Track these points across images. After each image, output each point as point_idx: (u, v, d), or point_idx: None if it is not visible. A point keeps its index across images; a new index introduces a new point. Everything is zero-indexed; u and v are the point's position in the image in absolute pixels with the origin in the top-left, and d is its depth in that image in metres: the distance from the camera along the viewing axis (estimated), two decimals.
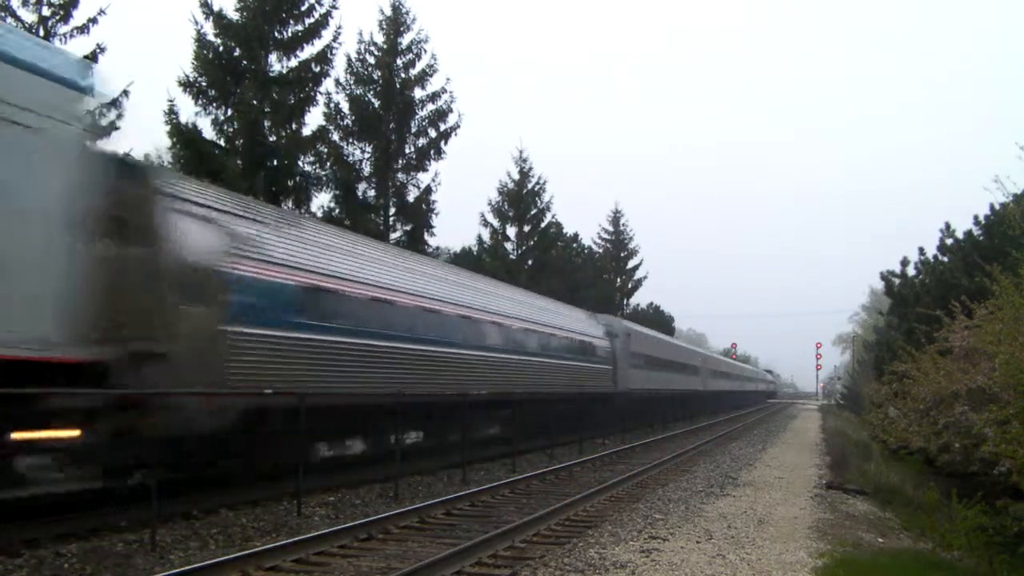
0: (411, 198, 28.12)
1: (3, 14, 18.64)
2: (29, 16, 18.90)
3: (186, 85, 21.63)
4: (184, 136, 21.11)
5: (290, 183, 23.34)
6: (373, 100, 27.73)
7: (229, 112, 22.10)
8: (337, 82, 26.90)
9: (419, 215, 28.05)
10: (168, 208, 10.65)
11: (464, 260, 32.25)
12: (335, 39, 23.55)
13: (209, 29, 22.04)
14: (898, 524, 13.74)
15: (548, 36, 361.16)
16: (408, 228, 28.10)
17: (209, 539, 9.71)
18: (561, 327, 25.73)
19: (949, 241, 27.96)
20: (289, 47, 23.15)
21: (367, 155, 27.66)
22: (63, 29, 19.16)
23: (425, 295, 17.09)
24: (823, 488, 16.16)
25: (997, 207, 22.65)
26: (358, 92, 27.56)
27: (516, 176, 39.81)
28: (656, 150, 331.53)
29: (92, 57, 19.14)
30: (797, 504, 13.71)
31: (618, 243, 56.86)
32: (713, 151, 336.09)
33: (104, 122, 19.30)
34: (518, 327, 22.04)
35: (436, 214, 28.52)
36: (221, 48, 22.19)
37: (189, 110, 21.80)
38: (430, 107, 28.21)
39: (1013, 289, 12.39)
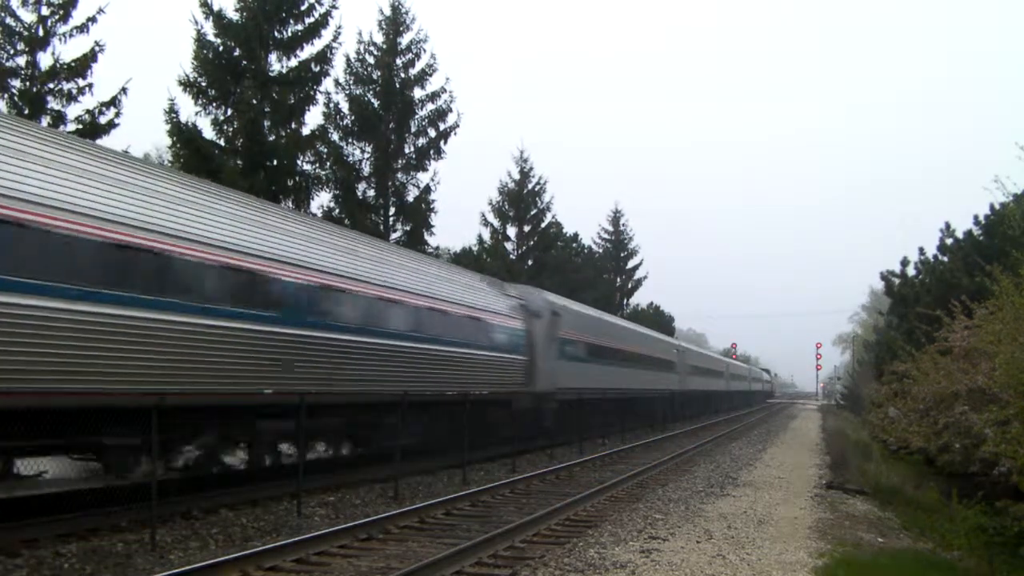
0: (410, 198, 28.11)
1: (2, 14, 18.62)
2: (28, 16, 18.90)
3: (186, 85, 21.62)
4: (184, 136, 21.11)
5: (290, 183, 23.33)
6: (373, 100, 27.72)
7: (229, 112, 22.09)
8: (337, 82, 26.94)
9: (418, 215, 28.04)
10: None
11: (464, 260, 32.14)
12: (335, 39, 23.55)
13: (209, 29, 22.04)
14: (898, 524, 13.73)
15: (548, 36, 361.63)
16: (408, 228, 28.09)
17: (209, 539, 9.70)
18: (420, 292, 16.84)
19: (949, 241, 27.98)
20: (289, 47, 23.14)
21: (367, 155, 27.67)
22: (63, 29, 19.14)
23: None
24: (823, 488, 16.16)
25: (997, 207, 22.67)
26: (358, 92, 27.56)
27: (517, 176, 39.92)
28: (656, 150, 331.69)
29: (91, 56, 19.15)
30: (797, 504, 13.71)
31: (618, 243, 56.85)
32: (713, 151, 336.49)
33: (103, 120, 19.32)
34: (299, 280, 12.94)
35: (435, 213, 28.55)
36: (221, 48, 22.18)
37: (189, 110, 21.83)
38: (429, 107, 28.22)
39: (1013, 289, 12.38)
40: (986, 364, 13.52)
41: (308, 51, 23.35)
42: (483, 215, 39.24)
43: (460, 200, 37.81)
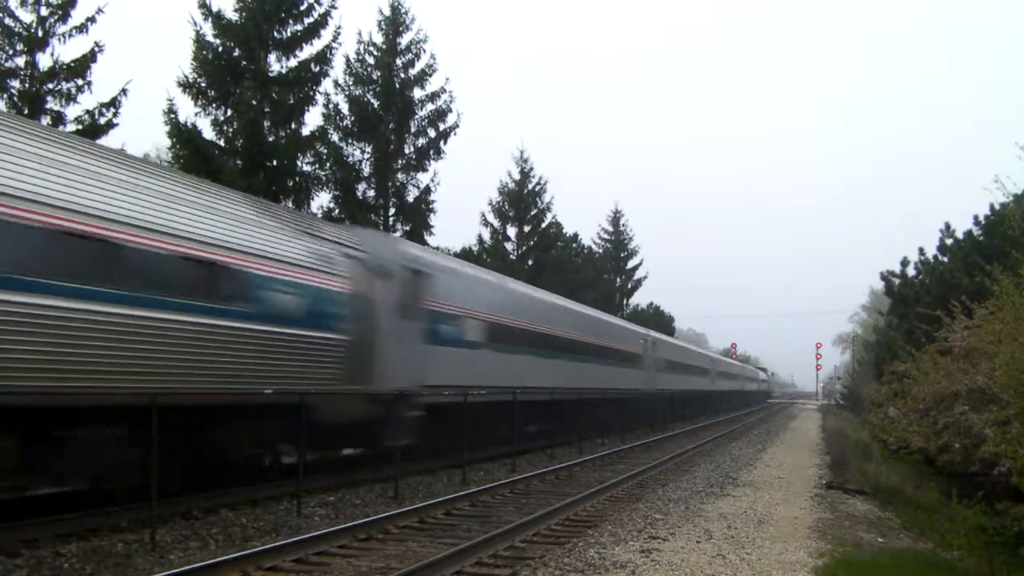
0: (410, 198, 28.09)
1: (1, 14, 18.61)
2: (27, 16, 18.86)
3: (185, 85, 21.58)
4: (183, 136, 21.09)
5: (290, 183, 23.32)
6: (372, 100, 27.70)
7: (228, 112, 22.05)
8: (336, 82, 26.91)
9: (418, 215, 28.02)
10: None
11: (464, 260, 32.12)
12: (334, 39, 23.50)
13: (208, 29, 21.99)
14: (898, 524, 13.73)
15: (548, 36, 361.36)
16: (408, 228, 28.08)
17: (209, 539, 9.70)
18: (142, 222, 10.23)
19: (949, 241, 28.03)
20: (288, 47, 23.11)
21: (367, 155, 27.63)
22: (62, 29, 19.09)
23: None
24: (823, 488, 16.16)
25: (997, 207, 22.69)
26: (357, 92, 27.53)
27: (517, 176, 39.97)
28: (656, 150, 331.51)
29: (90, 56, 19.13)
30: (797, 504, 13.71)
31: (618, 243, 56.88)
32: (713, 151, 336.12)
33: (102, 121, 19.31)
34: None
35: (435, 214, 28.54)
36: (220, 48, 22.15)
37: (188, 110, 21.78)
38: (429, 107, 28.19)
39: (1013, 289, 12.39)
40: (986, 364, 13.53)
41: (308, 51, 23.32)
42: (483, 215, 39.35)
43: (460, 200, 37.87)
